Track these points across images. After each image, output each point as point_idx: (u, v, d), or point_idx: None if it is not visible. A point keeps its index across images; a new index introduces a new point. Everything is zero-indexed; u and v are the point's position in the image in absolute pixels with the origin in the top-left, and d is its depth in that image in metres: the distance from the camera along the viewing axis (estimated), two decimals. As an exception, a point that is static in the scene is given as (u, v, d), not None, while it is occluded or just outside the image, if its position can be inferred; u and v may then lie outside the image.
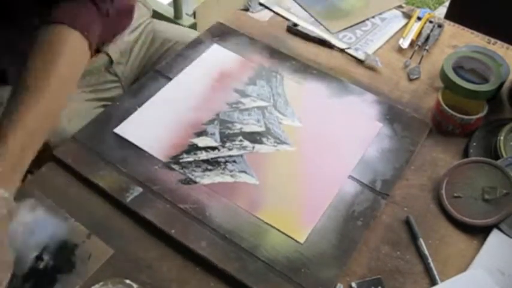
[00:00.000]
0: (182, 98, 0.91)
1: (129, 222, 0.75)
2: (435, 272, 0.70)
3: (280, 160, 0.82)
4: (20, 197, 0.75)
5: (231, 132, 0.86)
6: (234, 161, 0.81)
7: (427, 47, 1.03)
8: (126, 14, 1.05)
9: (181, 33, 1.17)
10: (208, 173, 0.80)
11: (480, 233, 0.75)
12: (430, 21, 1.07)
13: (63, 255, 0.70)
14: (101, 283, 0.66)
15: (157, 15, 1.79)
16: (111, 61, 1.05)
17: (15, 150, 0.66)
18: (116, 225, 0.74)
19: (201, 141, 0.84)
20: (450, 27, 1.09)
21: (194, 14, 1.87)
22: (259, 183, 0.79)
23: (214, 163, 0.81)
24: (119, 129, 0.85)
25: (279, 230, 0.73)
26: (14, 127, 0.67)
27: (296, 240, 0.72)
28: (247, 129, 0.86)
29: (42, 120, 0.70)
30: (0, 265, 0.62)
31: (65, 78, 0.74)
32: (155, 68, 0.97)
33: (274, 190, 0.78)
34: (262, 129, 0.86)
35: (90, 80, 1.02)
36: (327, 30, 1.07)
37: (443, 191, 0.79)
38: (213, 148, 0.83)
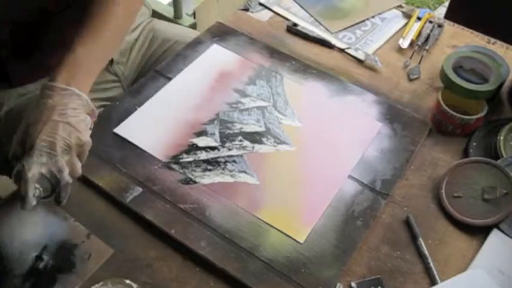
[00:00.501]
0: (182, 98, 0.91)
1: (129, 222, 0.75)
2: (435, 272, 0.70)
3: (280, 160, 0.82)
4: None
5: (231, 132, 0.86)
6: (234, 161, 0.81)
7: (427, 47, 1.03)
8: None
9: (181, 33, 1.16)
10: (208, 173, 0.80)
11: (480, 233, 0.75)
12: (430, 21, 1.07)
13: (63, 255, 0.70)
14: (101, 283, 0.66)
15: (157, 15, 1.79)
16: (111, 61, 1.05)
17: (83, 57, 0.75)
18: (115, 225, 0.74)
19: (201, 141, 0.84)
20: (450, 27, 1.09)
21: (194, 14, 1.87)
22: (259, 183, 0.79)
23: (214, 163, 0.81)
24: (119, 129, 0.85)
25: (279, 230, 0.73)
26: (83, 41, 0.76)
27: (296, 240, 0.72)
28: (247, 129, 0.86)
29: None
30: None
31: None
32: (155, 68, 0.97)
33: (274, 190, 0.78)
34: (262, 129, 0.86)
35: None
36: (327, 30, 1.07)
37: (443, 191, 0.79)
38: (213, 148, 0.83)
